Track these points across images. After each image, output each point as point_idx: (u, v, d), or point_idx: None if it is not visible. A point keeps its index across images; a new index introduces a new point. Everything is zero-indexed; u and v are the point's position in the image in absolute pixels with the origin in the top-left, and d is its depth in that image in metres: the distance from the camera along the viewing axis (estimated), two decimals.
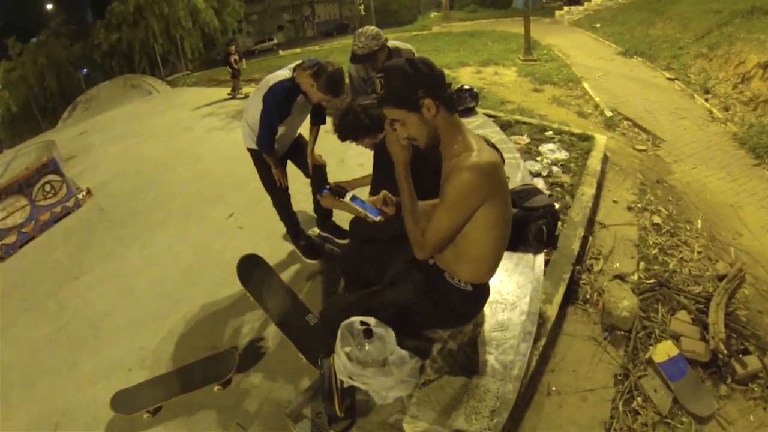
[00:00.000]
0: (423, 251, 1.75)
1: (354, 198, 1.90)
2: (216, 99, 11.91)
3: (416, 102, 1.65)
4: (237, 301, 3.57)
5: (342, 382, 1.77)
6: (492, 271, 1.86)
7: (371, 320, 1.74)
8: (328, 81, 2.94)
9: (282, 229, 4.16)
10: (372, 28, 3.34)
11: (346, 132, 2.62)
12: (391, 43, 3.45)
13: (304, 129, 3.63)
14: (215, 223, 4.86)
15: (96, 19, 31.22)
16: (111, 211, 6.02)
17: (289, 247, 4.00)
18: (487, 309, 2.09)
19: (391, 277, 2.00)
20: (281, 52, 24.97)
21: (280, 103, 3.08)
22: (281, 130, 3.25)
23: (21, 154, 10.62)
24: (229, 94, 12.02)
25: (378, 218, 1.89)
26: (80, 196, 6.58)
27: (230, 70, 12.12)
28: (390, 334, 1.73)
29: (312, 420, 1.86)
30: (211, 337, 3.28)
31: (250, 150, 3.52)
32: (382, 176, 2.35)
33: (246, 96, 11.47)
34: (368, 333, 1.68)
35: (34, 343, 3.78)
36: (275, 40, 39.10)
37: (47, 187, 6.28)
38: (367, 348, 1.70)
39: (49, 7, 31.36)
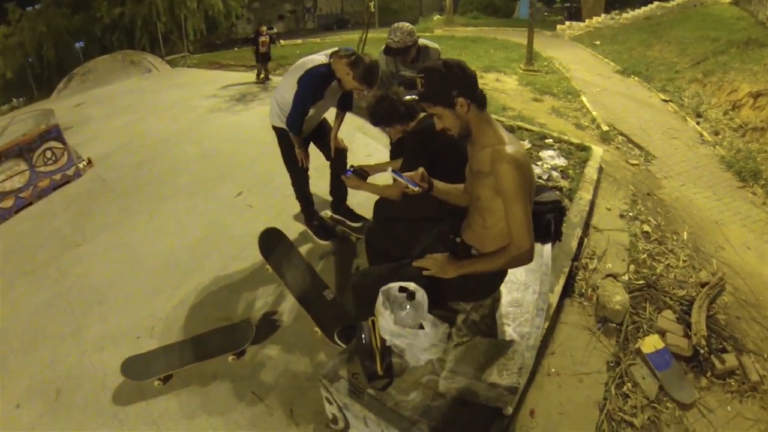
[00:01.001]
0: (522, 249, 1.86)
1: (395, 171, 2.11)
2: (241, 81, 11.79)
3: (451, 100, 1.91)
4: (250, 275, 3.62)
5: (383, 342, 1.96)
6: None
7: (411, 285, 1.94)
8: (365, 71, 3.05)
9: (292, 209, 4.27)
10: (407, 25, 3.52)
11: (380, 117, 2.80)
12: (420, 41, 3.63)
13: (328, 114, 3.73)
14: (224, 200, 4.92)
15: None
16: (114, 183, 6.04)
17: (300, 227, 4.10)
18: (503, 288, 2.31)
19: (420, 251, 2.20)
20: (282, 42, 24.96)
21: (315, 86, 3.16)
22: (311, 112, 3.33)
23: (16, 121, 10.57)
24: (259, 81, 11.57)
25: (417, 189, 2.11)
26: (81, 166, 6.58)
27: (256, 53, 11.55)
28: (425, 300, 1.93)
29: (348, 380, 2.00)
30: (224, 308, 3.33)
31: (275, 128, 3.58)
32: (411, 161, 2.56)
33: (263, 81, 11.54)
34: (411, 295, 1.88)
35: (34, 308, 3.77)
36: (275, 30, 38.84)
37: (48, 154, 6.27)
38: (407, 310, 1.90)
39: None
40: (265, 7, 41.10)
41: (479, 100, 1.95)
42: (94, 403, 2.78)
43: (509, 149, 1.85)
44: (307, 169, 3.71)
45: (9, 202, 5.72)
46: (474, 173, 2.01)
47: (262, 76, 11.72)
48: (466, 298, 2.22)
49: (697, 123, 8.61)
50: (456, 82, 1.90)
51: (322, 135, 3.72)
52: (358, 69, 3.06)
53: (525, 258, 1.88)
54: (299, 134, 3.43)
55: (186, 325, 3.25)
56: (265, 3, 40.79)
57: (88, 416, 2.71)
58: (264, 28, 11.99)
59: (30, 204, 5.90)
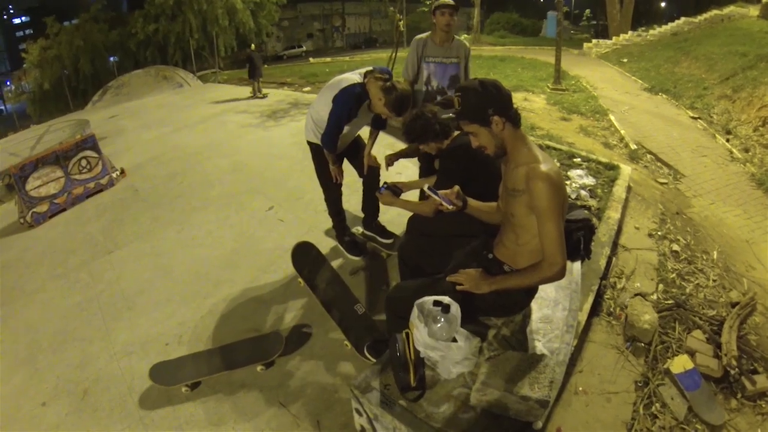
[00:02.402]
0: (554, 266, 1.90)
1: (430, 188, 2.18)
2: (272, 97, 12.32)
3: (487, 119, 1.97)
4: (280, 288, 3.68)
5: (416, 354, 2.00)
6: None
7: (445, 298, 1.99)
8: (396, 100, 3.10)
9: (323, 224, 4.35)
10: None
11: (415, 134, 2.87)
12: None
13: (362, 131, 3.79)
14: (255, 213, 5.01)
15: (131, 9, 31.95)
16: (146, 193, 6.21)
17: (331, 242, 4.16)
18: (533, 304, 2.34)
19: (453, 266, 2.25)
20: (311, 59, 25.38)
21: (350, 105, 3.22)
22: (345, 129, 3.39)
23: (53, 130, 10.94)
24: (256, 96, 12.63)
25: (451, 207, 2.19)
26: (114, 175, 6.81)
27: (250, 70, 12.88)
28: (459, 314, 1.98)
29: (381, 391, 2.03)
30: (252, 319, 3.38)
31: (310, 143, 3.64)
32: (445, 179, 2.62)
33: (264, 96, 12.40)
34: (445, 308, 1.93)
35: (64, 310, 3.88)
36: (304, 48, 39.65)
37: (83, 162, 6.50)
38: (441, 323, 1.95)
39: None
40: (295, 26, 42.00)
41: (514, 118, 2.00)
42: (120, 405, 2.84)
43: (544, 167, 1.90)
44: (340, 185, 3.76)
45: (44, 207, 5.95)
46: (508, 191, 2.05)
47: (254, 92, 12.77)
48: (497, 314, 2.25)
49: (727, 140, 8.49)
50: (492, 101, 1.96)
51: (356, 152, 3.77)
52: (390, 96, 3.11)
53: (557, 275, 1.91)
54: (334, 151, 3.49)
55: (214, 334, 3.31)
56: (294, 21, 41.69)
57: (114, 418, 2.76)
58: (253, 46, 13.56)
59: (64, 210, 6.13)
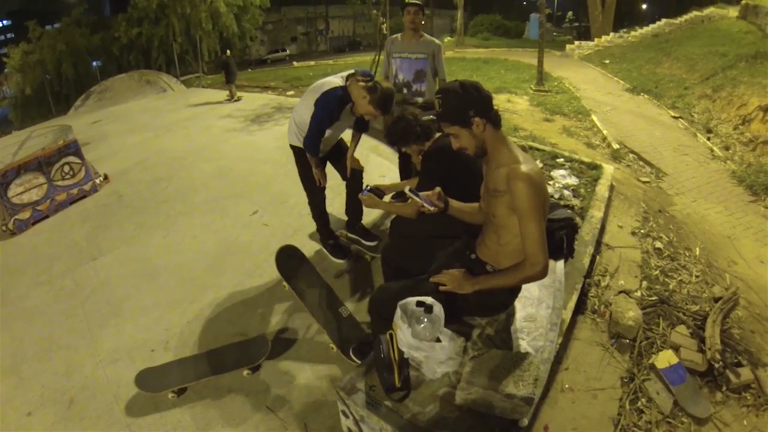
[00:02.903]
0: (536, 265, 1.91)
1: (411, 190, 2.18)
2: (256, 102, 12.27)
3: (468, 120, 1.97)
4: (265, 292, 3.64)
5: (400, 355, 2.00)
6: None
7: (428, 299, 1.99)
8: (381, 98, 3.11)
9: (307, 228, 4.33)
10: None
11: (396, 137, 2.88)
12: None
13: (344, 134, 3.77)
14: (240, 218, 4.98)
15: (114, 13, 31.67)
16: (130, 198, 6.13)
17: (315, 245, 4.14)
18: (517, 303, 2.35)
19: (436, 267, 2.25)
20: (295, 63, 25.33)
21: (332, 108, 3.21)
22: (327, 133, 3.38)
23: (35, 135, 10.76)
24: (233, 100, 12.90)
25: (432, 209, 2.19)
26: (98, 181, 6.70)
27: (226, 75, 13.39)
28: (442, 314, 1.98)
29: (366, 392, 2.03)
30: (239, 324, 3.36)
31: (293, 147, 3.62)
32: (427, 180, 2.63)
33: (239, 99, 12.66)
34: (428, 309, 1.93)
35: (49, 318, 3.83)
36: (288, 51, 39.41)
37: (66, 168, 6.39)
38: (425, 323, 1.95)
39: None
40: (279, 29, 41.80)
41: (494, 119, 2.01)
42: (107, 413, 2.80)
43: (524, 168, 1.90)
44: (323, 189, 3.75)
45: (26, 214, 5.84)
46: (490, 192, 2.06)
47: (230, 96, 13.08)
48: (481, 313, 2.26)
49: (708, 138, 8.63)
50: (472, 102, 1.96)
51: (339, 155, 3.77)
52: (375, 95, 3.11)
53: (539, 274, 1.92)
54: (316, 155, 3.48)
55: (201, 339, 3.29)
56: (278, 25, 41.49)
57: (101, 426, 2.73)
58: (228, 52, 14.04)
59: (47, 217, 6.01)
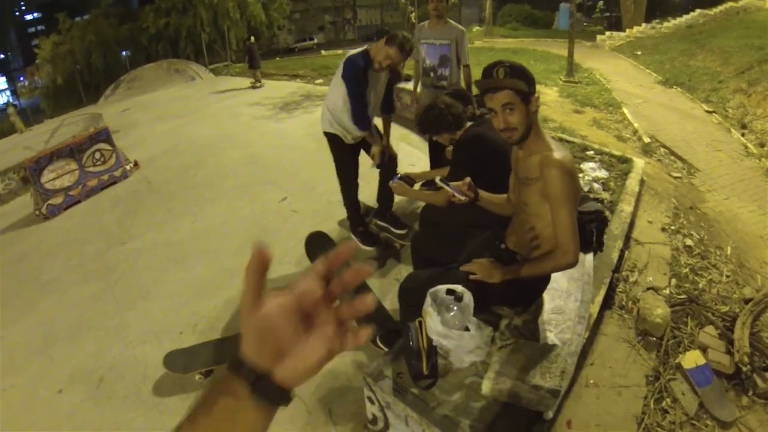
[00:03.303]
0: (568, 254, 1.90)
1: (442, 179, 2.19)
2: (284, 90, 12.34)
3: (529, 95, 1.94)
4: (293, 277, 3.63)
5: (429, 343, 2.01)
6: None
7: (458, 287, 2.00)
8: (402, 40, 3.20)
9: (336, 215, 4.36)
10: None
11: (428, 126, 2.88)
12: None
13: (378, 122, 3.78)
14: (269, 204, 5.03)
15: (141, 4, 32.20)
16: (159, 185, 6.28)
17: (344, 232, 4.17)
18: (545, 295, 2.35)
19: (466, 256, 2.26)
20: (323, 52, 25.37)
21: (357, 72, 3.26)
22: (370, 98, 3.40)
23: (66, 123, 11.07)
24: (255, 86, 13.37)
25: (463, 198, 2.20)
26: (128, 167, 6.90)
27: (250, 61, 13.79)
28: (471, 303, 1.99)
29: (393, 379, 2.05)
30: None
31: (327, 134, 3.63)
32: (458, 170, 2.63)
33: (262, 86, 13.18)
34: (458, 297, 1.94)
35: (80, 300, 3.93)
36: (315, 40, 39.38)
37: (97, 155, 6.60)
38: (454, 311, 1.96)
39: None
40: (306, 18, 41.83)
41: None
42: (134, 393, 2.88)
43: (557, 155, 1.90)
44: (356, 176, 3.77)
45: (59, 199, 6.04)
46: (521, 180, 2.05)
47: (254, 82, 13.52)
48: (510, 303, 2.26)
49: (742, 134, 8.39)
50: (533, 82, 1.95)
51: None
52: (395, 41, 3.20)
53: (570, 262, 1.91)
54: (369, 126, 3.48)
55: (229, 324, 3.33)
56: (305, 14, 41.51)
57: (128, 405, 2.80)
58: (252, 38, 14.22)
59: (78, 202, 6.21)
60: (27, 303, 4.10)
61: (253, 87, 13.27)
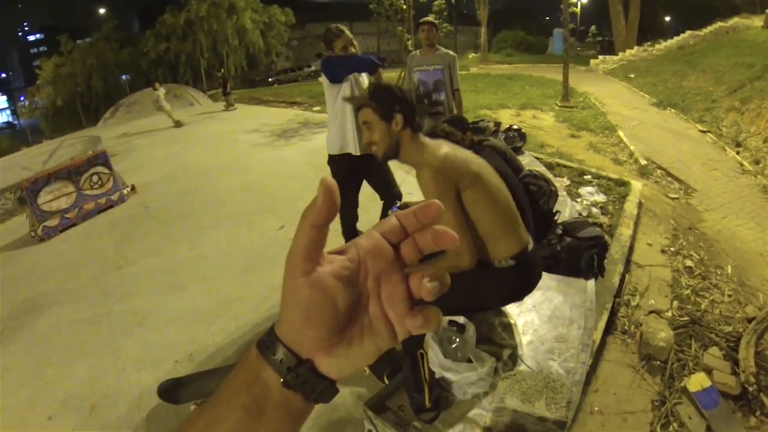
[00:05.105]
0: (464, 258, 1.84)
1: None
2: (282, 117, 12.57)
3: (390, 114, 1.94)
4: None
5: (431, 375, 1.98)
6: (511, 240, 2.00)
7: (460, 319, 1.98)
8: (327, 37, 3.41)
9: (335, 245, 4.25)
10: None
11: None
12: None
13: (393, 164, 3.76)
14: (267, 232, 5.00)
15: (142, 29, 32.70)
16: (157, 210, 6.26)
17: None
18: (548, 324, 2.33)
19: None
20: (320, 79, 25.73)
21: (329, 61, 3.42)
22: (345, 87, 3.45)
23: (65, 145, 11.08)
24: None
25: None
26: (125, 192, 6.89)
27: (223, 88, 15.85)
28: (474, 334, 1.97)
29: (395, 412, 2.01)
30: None
31: (332, 158, 3.62)
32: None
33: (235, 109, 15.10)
34: (461, 329, 1.92)
35: (75, 324, 3.86)
36: (312, 67, 39.79)
37: (95, 178, 6.58)
38: (457, 343, 1.94)
39: (102, 11, 32.85)
40: (303, 45, 42.18)
41: (416, 125, 2.00)
42: (128, 422, 2.79)
43: (426, 157, 1.88)
44: (357, 206, 3.73)
45: (55, 221, 6.01)
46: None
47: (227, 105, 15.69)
48: (512, 299, 2.22)
49: (737, 152, 8.45)
50: (399, 102, 1.96)
51: (380, 175, 3.74)
52: (329, 41, 3.43)
53: (464, 266, 1.84)
54: (339, 77, 3.48)
55: (225, 352, 3.26)
56: (302, 41, 41.86)
57: None
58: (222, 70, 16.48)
59: (74, 225, 6.18)
60: (21, 325, 4.03)
61: (227, 110, 15.39)
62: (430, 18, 4.67)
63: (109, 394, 3.03)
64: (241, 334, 3.45)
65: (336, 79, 3.40)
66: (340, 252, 0.43)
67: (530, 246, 2.08)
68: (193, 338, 3.46)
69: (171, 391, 2.82)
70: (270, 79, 32.27)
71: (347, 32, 3.38)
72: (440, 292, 0.40)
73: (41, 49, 51.39)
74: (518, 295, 2.22)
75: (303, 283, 0.40)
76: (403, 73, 8.80)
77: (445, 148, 1.96)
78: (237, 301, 3.85)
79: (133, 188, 7.12)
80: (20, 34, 61.87)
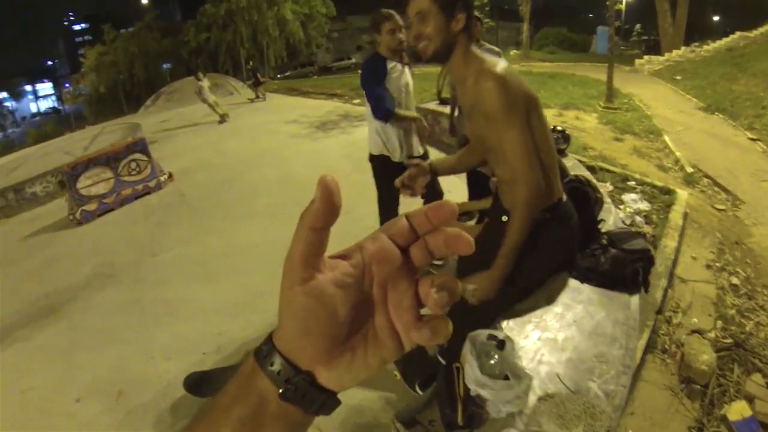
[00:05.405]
0: (529, 183, 1.63)
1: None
2: (321, 109, 12.60)
3: (453, 10, 1.66)
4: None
5: (467, 391, 1.91)
6: (554, 183, 1.82)
7: (501, 333, 1.91)
8: (378, 20, 3.17)
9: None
10: None
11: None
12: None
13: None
14: None
15: (184, 19, 33.29)
16: (193, 198, 6.35)
17: None
18: (589, 341, 2.24)
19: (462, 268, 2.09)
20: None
21: (372, 64, 3.22)
22: (391, 89, 3.29)
23: (106, 131, 11.35)
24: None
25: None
26: (162, 179, 7.03)
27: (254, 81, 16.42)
28: (513, 350, 1.89)
29: (425, 427, 1.96)
30: None
31: (373, 158, 3.52)
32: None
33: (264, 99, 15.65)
34: (501, 344, 1.85)
35: (107, 309, 3.94)
36: (353, 60, 39.79)
37: (133, 165, 6.74)
38: (495, 359, 1.87)
39: (145, 1, 33.61)
40: (344, 38, 42.32)
41: (472, 29, 1.76)
42: (153, 409, 2.82)
43: (491, 67, 1.64)
44: (398, 204, 3.60)
45: (93, 206, 6.19)
46: (468, 115, 1.78)
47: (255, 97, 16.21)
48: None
49: None
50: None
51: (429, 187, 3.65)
52: (378, 25, 3.18)
53: (535, 192, 1.63)
54: (391, 114, 3.29)
55: (253, 346, 3.21)
56: (343, 33, 41.99)
57: (146, 422, 2.74)
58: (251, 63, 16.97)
59: (112, 210, 6.36)
60: (54, 306, 4.12)
61: (253, 101, 15.85)
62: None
63: (136, 381, 3.07)
64: (270, 329, 3.42)
65: (368, 81, 3.28)
66: (343, 256, 0.40)
67: (564, 197, 1.90)
68: (222, 330, 3.47)
69: (197, 384, 2.85)
70: (278, 75, 30.40)
71: (397, 17, 3.18)
72: (450, 303, 0.36)
73: (86, 38, 53.06)
74: (560, 257, 2.06)
75: (300, 292, 0.37)
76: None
77: (503, 62, 1.72)
78: (268, 295, 3.82)
79: (170, 176, 7.24)
80: (66, 23, 63.99)
